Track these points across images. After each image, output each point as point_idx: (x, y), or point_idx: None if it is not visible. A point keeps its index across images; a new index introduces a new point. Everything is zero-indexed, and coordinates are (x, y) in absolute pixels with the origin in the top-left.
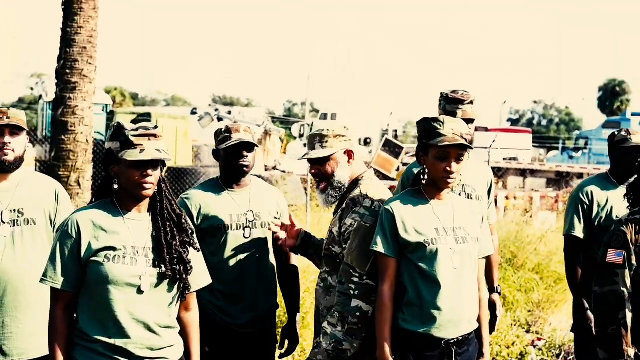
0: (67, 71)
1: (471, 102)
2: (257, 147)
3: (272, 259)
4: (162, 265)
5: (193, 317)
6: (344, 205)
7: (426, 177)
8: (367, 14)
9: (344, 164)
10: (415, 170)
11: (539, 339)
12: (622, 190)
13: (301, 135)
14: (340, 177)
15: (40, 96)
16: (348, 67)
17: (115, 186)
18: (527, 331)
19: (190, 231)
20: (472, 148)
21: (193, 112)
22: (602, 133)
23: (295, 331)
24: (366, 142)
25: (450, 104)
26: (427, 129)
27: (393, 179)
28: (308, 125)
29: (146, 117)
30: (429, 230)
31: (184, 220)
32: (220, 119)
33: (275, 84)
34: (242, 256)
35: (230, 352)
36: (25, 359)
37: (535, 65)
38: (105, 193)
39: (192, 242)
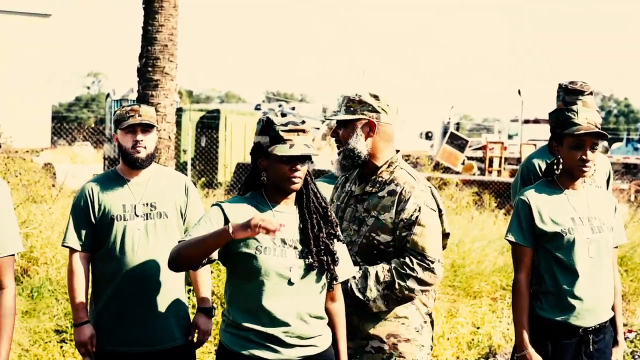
0: (149, 69)
1: (590, 93)
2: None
3: None
4: (310, 257)
5: (339, 308)
6: (398, 192)
7: (560, 167)
8: (422, 11)
9: (361, 134)
10: (535, 161)
11: (630, 331)
12: None
13: None
14: (354, 147)
15: (108, 94)
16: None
17: (264, 179)
18: None
19: (335, 223)
20: (607, 136)
21: (257, 108)
22: None
23: None
24: (428, 136)
25: (569, 95)
26: (561, 118)
27: (458, 173)
28: None
29: (215, 113)
30: (565, 220)
31: (329, 213)
32: (284, 115)
33: (328, 79)
34: None
35: None
36: (160, 348)
37: (592, 56)
38: (253, 185)
39: (337, 233)
